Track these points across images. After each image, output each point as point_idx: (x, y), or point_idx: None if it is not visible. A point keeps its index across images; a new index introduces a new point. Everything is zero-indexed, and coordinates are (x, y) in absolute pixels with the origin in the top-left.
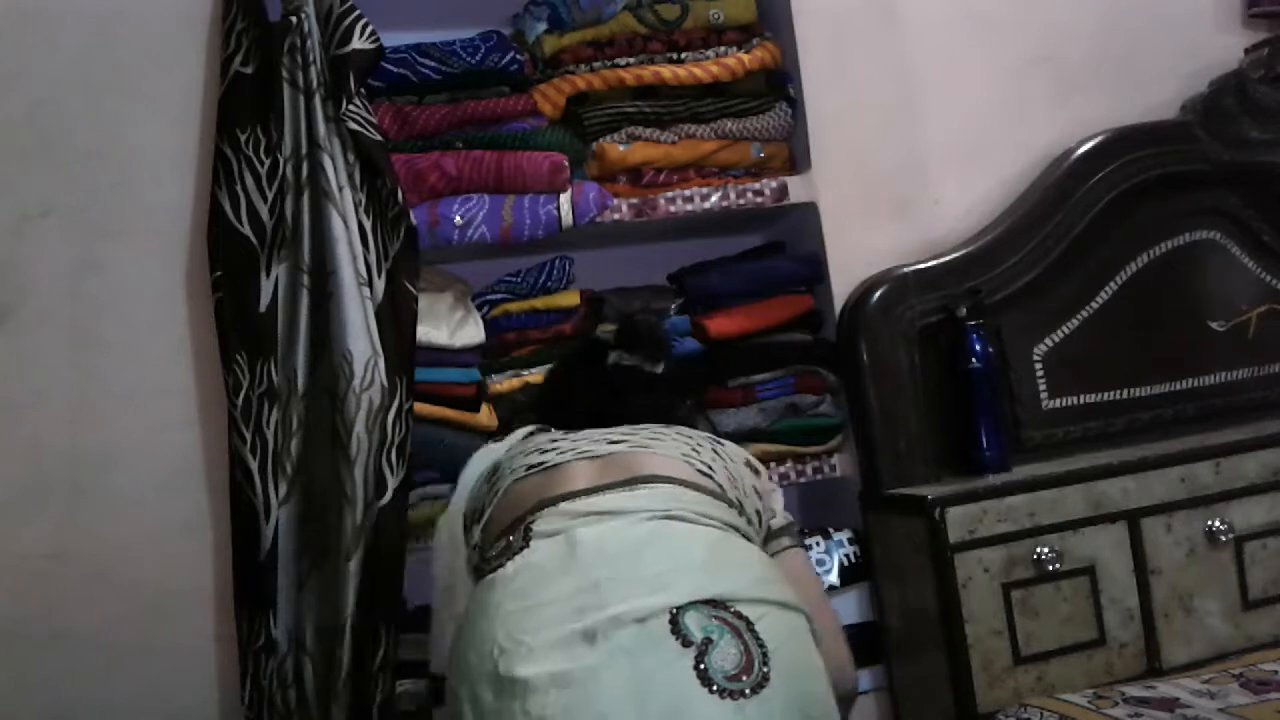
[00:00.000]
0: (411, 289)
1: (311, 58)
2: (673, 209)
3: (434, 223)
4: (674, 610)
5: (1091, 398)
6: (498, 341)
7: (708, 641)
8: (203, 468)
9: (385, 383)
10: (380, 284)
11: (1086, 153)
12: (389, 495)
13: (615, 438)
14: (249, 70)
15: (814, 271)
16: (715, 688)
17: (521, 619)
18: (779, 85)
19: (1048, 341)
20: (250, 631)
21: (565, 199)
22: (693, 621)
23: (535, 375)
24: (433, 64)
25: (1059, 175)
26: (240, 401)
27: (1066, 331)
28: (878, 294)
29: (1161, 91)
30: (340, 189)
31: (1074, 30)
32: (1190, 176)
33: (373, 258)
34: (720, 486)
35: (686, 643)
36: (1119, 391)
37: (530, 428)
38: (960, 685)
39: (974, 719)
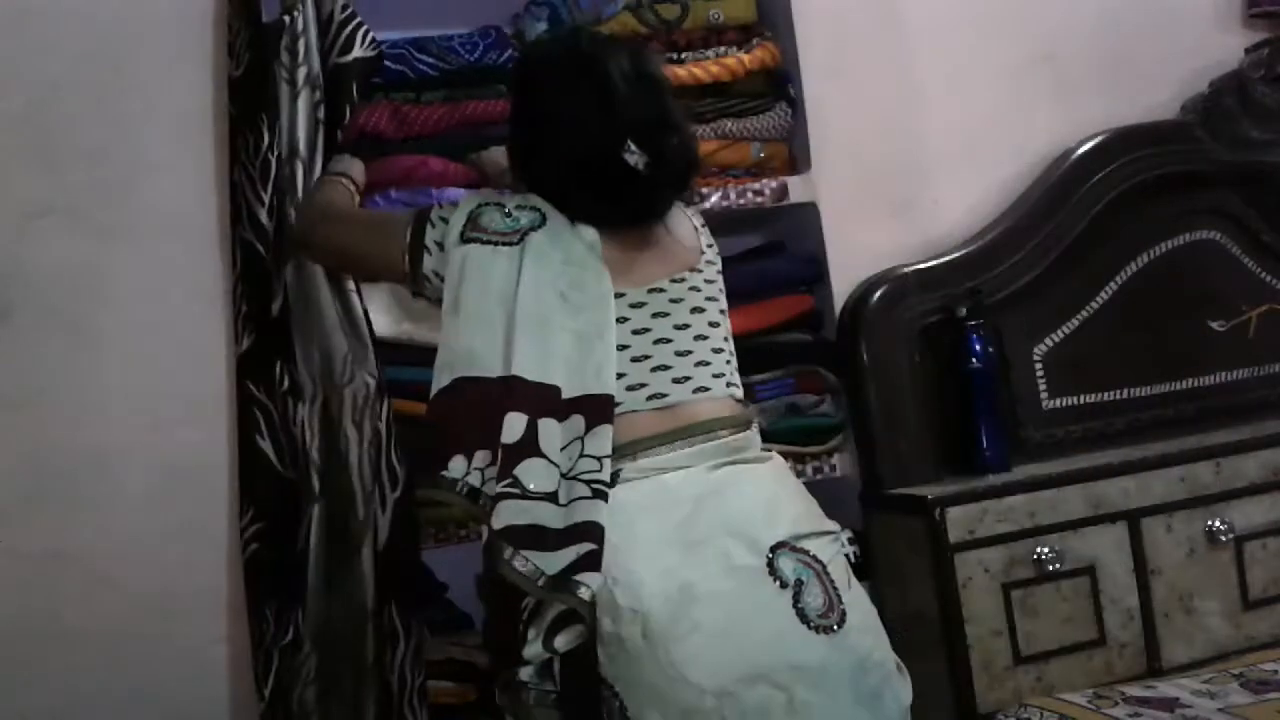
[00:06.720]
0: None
1: (301, 59)
2: None
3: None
4: (769, 555)
5: (1091, 398)
6: None
7: (799, 583)
8: (203, 468)
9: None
10: None
11: (1086, 153)
12: (399, 488)
13: (676, 370)
14: (239, 71)
15: (814, 271)
16: (812, 625)
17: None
18: (779, 85)
19: (1048, 341)
20: (277, 628)
21: None
22: (785, 565)
23: None
24: (430, 60)
25: (1059, 175)
26: (267, 402)
27: (1066, 331)
28: (878, 294)
29: (1161, 91)
30: None
31: (1074, 30)
32: (1190, 176)
33: None
34: (745, 401)
35: (784, 584)
36: (1119, 391)
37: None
38: (960, 685)
39: (974, 719)
